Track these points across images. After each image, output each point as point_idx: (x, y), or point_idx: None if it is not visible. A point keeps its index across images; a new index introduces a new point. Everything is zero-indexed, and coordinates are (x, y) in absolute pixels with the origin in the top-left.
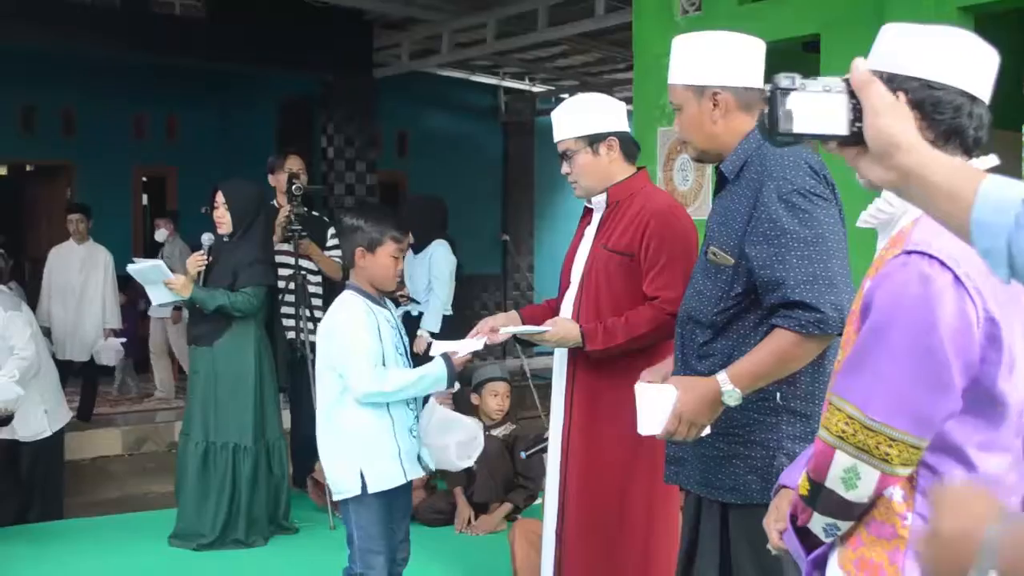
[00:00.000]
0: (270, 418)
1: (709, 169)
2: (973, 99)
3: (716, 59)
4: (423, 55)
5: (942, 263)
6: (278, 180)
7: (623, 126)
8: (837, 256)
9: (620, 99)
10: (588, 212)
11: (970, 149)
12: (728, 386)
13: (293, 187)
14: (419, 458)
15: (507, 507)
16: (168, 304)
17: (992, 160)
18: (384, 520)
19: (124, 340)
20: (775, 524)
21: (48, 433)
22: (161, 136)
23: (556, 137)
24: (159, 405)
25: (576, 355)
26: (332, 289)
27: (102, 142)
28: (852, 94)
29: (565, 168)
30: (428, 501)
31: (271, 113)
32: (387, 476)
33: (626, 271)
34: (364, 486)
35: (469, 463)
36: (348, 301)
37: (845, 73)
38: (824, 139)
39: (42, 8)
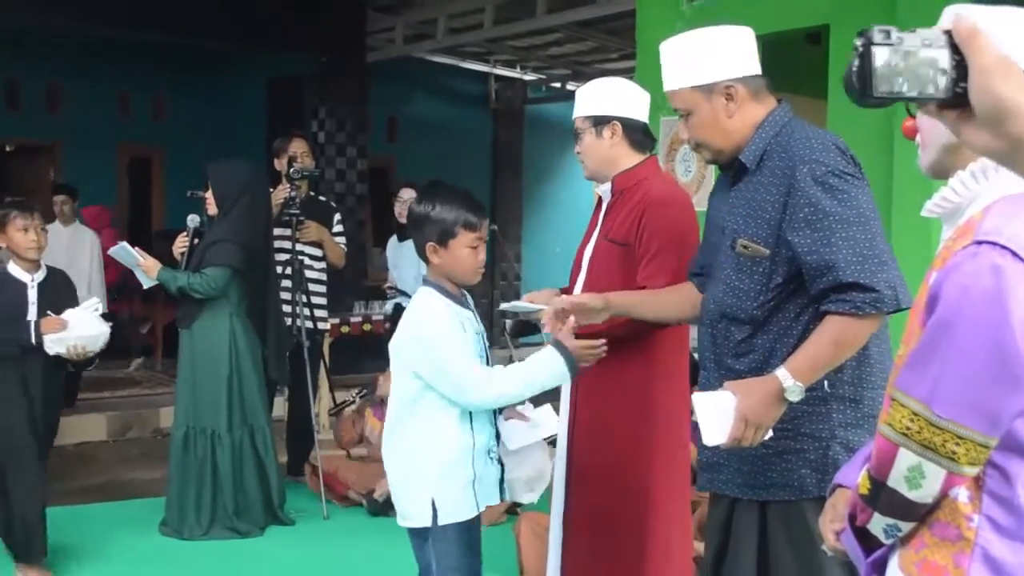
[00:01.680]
0: (251, 404)
1: None
2: None
3: (718, 54)
4: (416, 40)
5: (1014, 253)
6: (283, 164)
7: (635, 114)
8: (880, 234)
9: None
10: (601, 201)
11: None
12: (790, 381)
13: (291, 170)
14: (501, 482)
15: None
16: (153, 286)
17: None
18: (466, 547)
19: (111, 324)
20: (831, 524)
21: None
22: (148, 116)
23: (573, 114)
24: (144, 391)
25: None
26: (338, 276)
27: (87, 120)
28: (955, 49)
29: (576, 148)
30: None
31: (260, 95)
32: (460, 507)
33: (625, 261)
34: (435, 517)
35: (533, 498)
36: (427, 302)
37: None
38: (922, 101)
39: None
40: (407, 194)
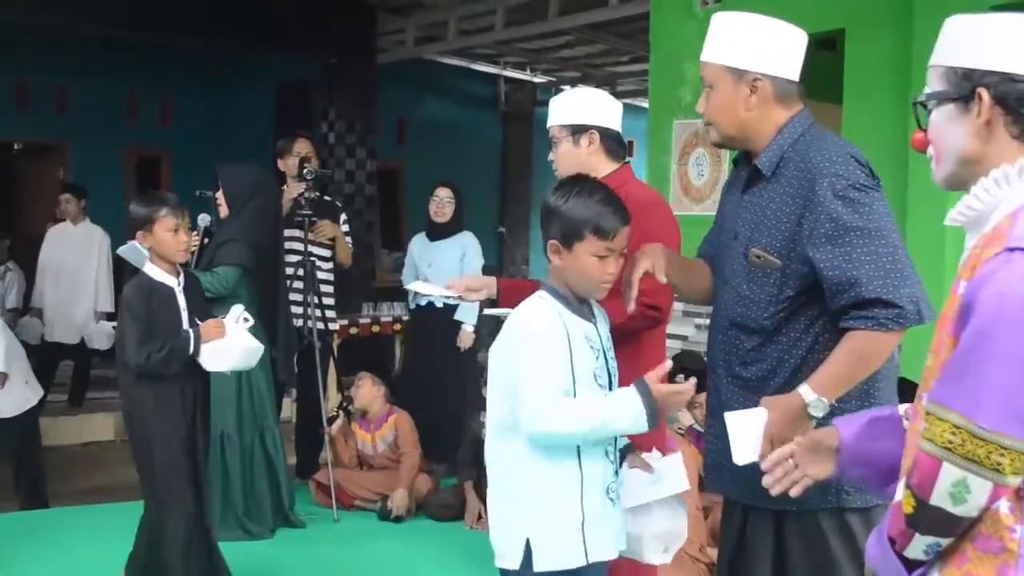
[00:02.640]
0: (261, 405)
1: (725, 164)
2: None
3: (761, 44)
4: (426, 41)
5: None
6: (287, 164)
7: (610, 124)
8: (900, 246)
9: (623, 91)
10: None
11: None
12: (812, 396)
13: (304, 171)
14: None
15: None
16: None
17: None
18: None
19: (115, 325)
20: (797, 443)
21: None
22: (155, 117)
23: (548, 123)
24: None
25: None
26: (346, 277)
27: (95, 121)
28: None
29: (551, 155)
30: (436, 494)
31: (268, 97)
32: (561, 553)
33: None
34: (529, 560)
35: (665, 559)
36: (531, 305)
37: (870, 69)
38: None
39: None
40: (443, 192)
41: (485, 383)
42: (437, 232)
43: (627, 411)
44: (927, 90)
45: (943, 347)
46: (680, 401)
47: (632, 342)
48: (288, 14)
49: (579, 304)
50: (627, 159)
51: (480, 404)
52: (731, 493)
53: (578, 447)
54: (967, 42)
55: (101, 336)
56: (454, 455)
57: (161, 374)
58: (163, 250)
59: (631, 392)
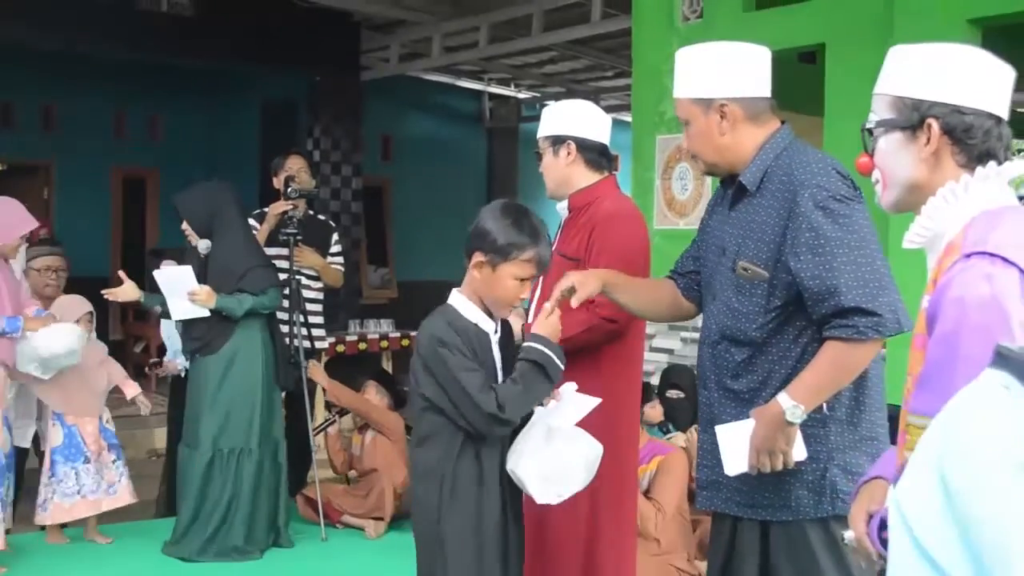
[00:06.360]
0: (275, 420)
1: (709, 179)
2: (998, 120)
3: (721, 70)
4: (410, 58)
5: (1004, 259)
6: (280, 182)
7: (591, 135)
8: (880, 256)
9: (607, 106)
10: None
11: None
12: (790, 404)
13: (289, 189)
14: None
15: None
16: (189, 319)
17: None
18: None
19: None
20: (863, 514)
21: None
22: (143, 136)
23: (537, 135)
24: (139, 411)
25: None
26: (333, 295)
27: (82, 140)
28: None
29: (540, 166)
30: None
31: (255, 114)
32: None
33: None
34: None
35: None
36: None
37: (850, 82)
38: None
39: (24, 2)
40: None
41: None
42: None
43: None
44: (874, 117)
45: (916, 362)
46: None
47: (591, 355)
48: (273, 32)
49: None
50: (611, 171)
51: None
52: (722, 507)
53: None
54: (915, 72)
55: None
56: None
57: (512, 424)
58: (496, 295)
59: None
